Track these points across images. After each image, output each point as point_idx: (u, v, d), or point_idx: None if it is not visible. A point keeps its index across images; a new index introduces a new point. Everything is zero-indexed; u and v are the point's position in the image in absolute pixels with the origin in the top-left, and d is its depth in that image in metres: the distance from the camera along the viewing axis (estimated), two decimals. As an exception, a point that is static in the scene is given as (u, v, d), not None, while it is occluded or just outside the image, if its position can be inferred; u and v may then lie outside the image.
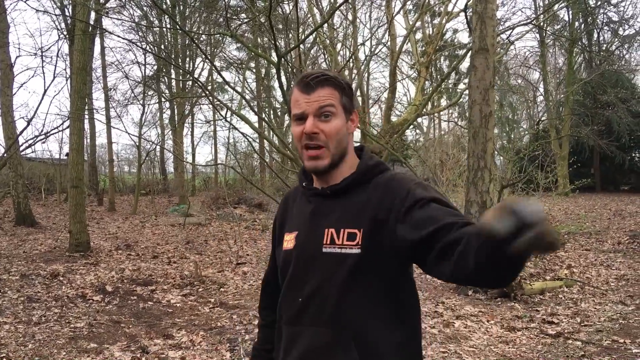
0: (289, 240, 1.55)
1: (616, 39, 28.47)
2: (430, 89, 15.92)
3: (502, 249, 1.02)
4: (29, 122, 10.55)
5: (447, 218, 1.26)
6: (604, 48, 28.61)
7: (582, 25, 28.22)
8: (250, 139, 14.23)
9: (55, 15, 16.08)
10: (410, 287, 1.50)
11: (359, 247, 1.40)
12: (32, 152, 18.88)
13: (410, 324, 1.47)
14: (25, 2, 11.15)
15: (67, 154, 15.06)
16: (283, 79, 7.06)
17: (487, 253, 1.09)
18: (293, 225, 1.57)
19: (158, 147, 23.75)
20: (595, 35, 29.27)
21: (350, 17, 16.39)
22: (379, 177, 1.49)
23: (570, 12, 25.89)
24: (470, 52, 7.71)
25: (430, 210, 1.31)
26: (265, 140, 17.61)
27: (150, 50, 19.30)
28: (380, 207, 1.41)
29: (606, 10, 27.02)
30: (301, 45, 10.80)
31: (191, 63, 23.50)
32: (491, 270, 1.12)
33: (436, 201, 1.34)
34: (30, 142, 12.18)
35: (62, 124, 11.69)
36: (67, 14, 15.99)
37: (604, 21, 28.09)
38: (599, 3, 24.49)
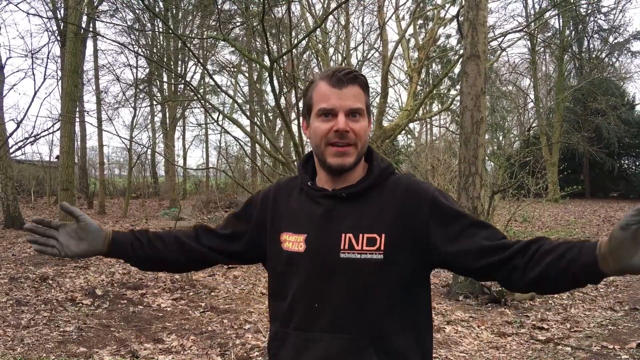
0: (293, 242, 1.48)
1: (606, 47, 28.73)
2: (422, 94, 15.98)
3: (599, 274, 1.20)
4: (18, 124, 10.49)
5: (490, 239, 1.38)
6: (594, 56, 28.86)
7: (573, 33, 28.48)
8: (242, 143, 14.20)
9: (47, 17, 16.01)
10: (427, 292, 1.52)
11: (380, 252, 1.40)
12: (22, 154, 18.84)
13: (426, 329, 1.50)
14: (16, 5, 11.09)
15: (57, 157, 15.00)
16: (275, 83, 7.04)
17: (578, 275, 1.24)
18: (297, 226, 1.50)
19: (149, 150, 23.66)
20: (586, 43, 29.54)
21: (342, 21, 16.45)
22: (390, 179, 1.50)
23: (561, 19, 26.13)
24: (461, 58, 7.75)
25: (468, 229, 1.41)
26: (257, 144, 17.60)
27: (142, 53, 19.26)
28: (404, 212, 1.43)
29: (596, 19, 27.29)
30: (294, 50, 10.78)
31: (183, 66, 23.46)
32: (563, 284, 1.30)
33: (465, 215, 1.44)
34: (20, 144, 12.16)
35: (53, 126, 11.64)
36: (58, 16, 15.92)
37: (594, 29, 28.35)
38: (590, 11, 24.71)
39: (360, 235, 1.41)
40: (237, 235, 1.64)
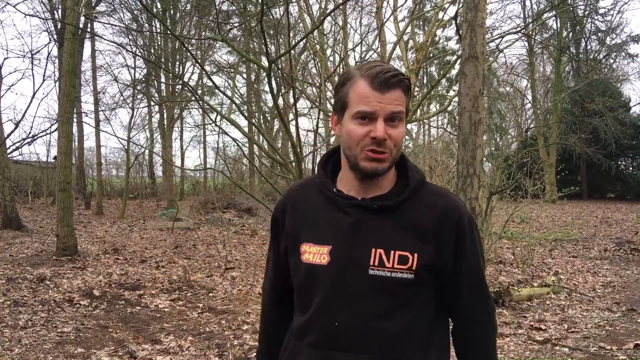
0: (314, 254, 1.37)
1: (603, 48, 28.81)
2: (420, 95, 16.00)
3: None
4: (17, 125, 10.49)
5: (477, 306, 1.44)
6: (591, 57, 28.93)
7: (570, 34, 28.54)
8: (239, 144, 14.17)
9: (45, 18, 16.01)
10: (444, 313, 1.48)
11: (411, 272, 1.32)
12: (20, 154, 18.79)
13: (445, 349, 1.46)
14: (14, 6, 11.08)
15: (54, 157, 14.96)
16: (273, 83, 7.06)
17: None
18: (319, 236, 1.39)
19: (147, 151, 23.63)
20: (583, 44, 29.61)
21: (340, 22, 16.45)
22: (424, 191, 1.41)
23: (559, 21, 26.18)
24: (460, 59, 7.76)
25: (472, 280, 1.42)
26: (254, 145, 17.59)
27: (140, 54, 19.25)
28: (438, 233, 1.36)
29: (594, 19, 27.36)
30: (292, 51, 10.77)
31: (181, 67, 23.45)
32: None
33: (479, 266, 1.44)
34: (17, 144, 12.09)
35: (50, 126, 11.64)
36: (56, 17, 15.91)
37: (592, 30, 28.43)
38: (587, 13, 24.77)
39: (392, 252, 1.33)
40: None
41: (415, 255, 1.33)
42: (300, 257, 1.40)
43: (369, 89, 1.31)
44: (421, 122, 25.29)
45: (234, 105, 14.95)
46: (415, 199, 1.39)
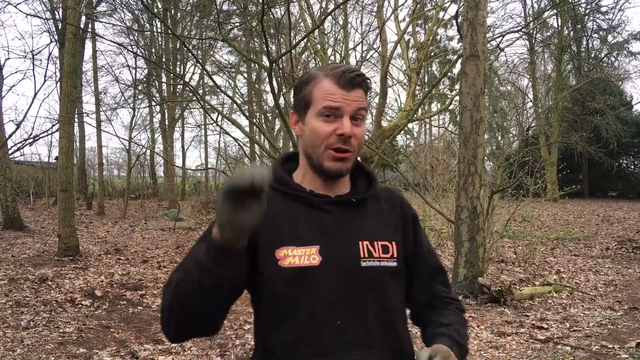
0: (300, 256, 1.30)
1: (605, 46, 28.78)
2: (421, 94, 16.00)
3: None
4: (18, 125, 10.50)
5: (437, 287, 1.50)
6: (592, 55, 28.90)
7: (572, 33, 28.50)
8: (241, 144, 14.22)
9: (46, 18, 16.02)
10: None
11: (394, 260, 1.38)
12: (21, 155, 18.77)
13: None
14: (15, 6, 11.09)
15: (56, 158, 14.99)
16: (274, 83, 7.05)
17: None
18: (300, 238, 1.32)
19: (148, 151, 23.66)
20: (585, 43, 29.58)
21: (341, 21, 16.45)
22: (376, 187, 1.47)
23: (560, 19, 26.15)
24: (461, 58, 7.76)
25: (433, 267, 1.52)
26: (256, 145, 17.61)
27: (141, 54, 19.25)
28: (402, 221, 1.46)
29: (595, 18, 27.32)
30: (292, 50, 10.78)
31: (182, 67, 23.47)
32: None
33: (434, 251, 1.55)
34: (19, 145, 12.12)
35: (52, 127, 11.66)
36: (57, 17, 15.92)
37: (593, 29, 28.40)
38: (588, 11, 24.73)
39: (375, 242, 1.37)
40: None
41: (394, 243, 1.39)
42: (279, 262, 1.30)
43: (335, 86, 1.32)
44: (422, 121, 25.28)
45: (235, 105, 14.98)
46: (376, 194, 1.45)
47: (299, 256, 1.30)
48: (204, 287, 1.18)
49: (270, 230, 1.31)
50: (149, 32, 21.38)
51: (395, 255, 1.38)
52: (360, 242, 1.35)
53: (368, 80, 1.37)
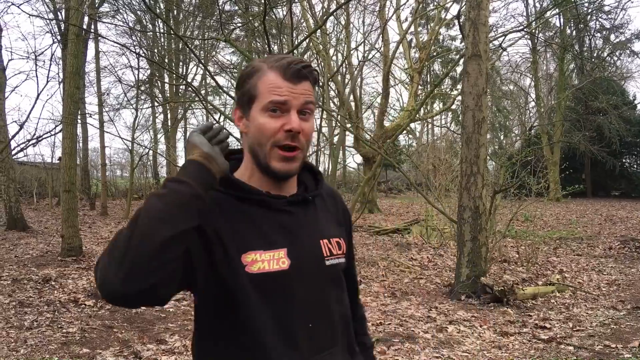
0: (269, 260, 1.23)
1: (607, 46, 28.73)
2: (424, 94, 16.00)
3: None
4: (21, 126, 10.54)
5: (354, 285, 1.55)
6: (595, 55, 28.85)
7: (574, 32, 28.46)
8: (243, 144, 14.19)
9: (49, 19, 16.06)
10: None
11: (344, 256, 1.40)
12: (24, 156, 18.83)
13: None
14: (18, 6, 11.13)
15: (59, 158, 15.00)
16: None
17: None
18: (266, 241, 1.25)
19: (151, 152, 23.68)
20: (587, 42, 29.53)
21: (343, 21, 16.47)
22: (323, 183, 1.48)
23: (562, 19, 26.12)
24: (463, 58, 7.76)
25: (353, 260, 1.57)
26: (258, 145, 17.58)
27: (143, 54, 19.29)
28: (344, 219, 1.48)
29: (598, 17, 27.28)
30: (294, 51, 10.78)
31: (184, 67, 23.49)
32: None
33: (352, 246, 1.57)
34: (22, 146, 12.14)
35: (55, 128, 11.65)
36: (60, 18, 15.96)
37: (596, 28, 28.36)
38: (591, 10, 24.69)
39: (332, 239, 1.36)
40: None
41: (342, 239, 1.41)
42: (246, 269, 1.21)
43: (280, 79, 1.24)
44: (425, 121, 25.28)
45: (237, 105, 14.99)
46: (321, 192, 1.44)
47: (268, 260, 1.23)
48: (173, 214, 1.10)
49: (230, 234, 1.23)
50: (151, 33, 21.42)
51: (344, 252, 1.40)
52: (321, 241, 1.33)
53: (316, 72, 1.29)
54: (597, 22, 28.11)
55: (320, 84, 14.16)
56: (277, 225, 1.28)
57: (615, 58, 29.49)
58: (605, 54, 28.93)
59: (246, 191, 1.29)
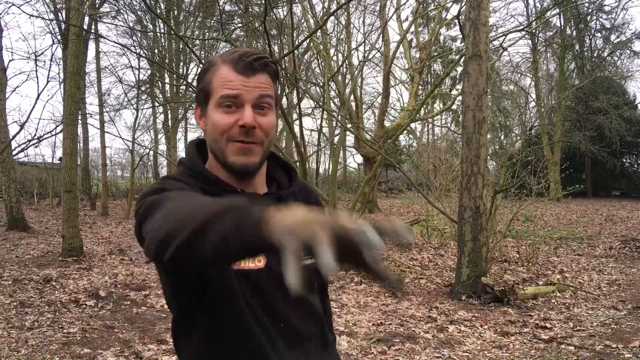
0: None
1: (608, 46, 28.73)
2: (424, 94, 16.01)
3: None
4: (22, 127, 10.51)
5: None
6: (595, 54, 28.85)
7: (574, 32, 28.47)
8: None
9: (49, 20, 16.07)
10: None
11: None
12: (25, 156, 18.86)
13: None
14: (18, 7, 11.14)
15: (60, 159, 15.01)
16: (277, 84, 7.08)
17: None
18: None
19: (151, 152, 23.70)
20: (587, 42, 29.54)
21: (343, 22, 16.47)
22: (297, 180, 1.43)
23: (562, 18, 26.12)
24: (463, 58, 7.76)
25: None
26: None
27: (144, 54, 19.30)
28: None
29: (599, 16, 27.29)
30: (295, 51, 10.81)
31: (185, 67, 23.50)
32: None
33: None
34: (23, 146, 12.13)
35: (55, 128, 11.66)
36: (60, 18, 15.97)
37: (596, 28, 28.37)
38: (591, 10, 24.70)
39: None
40: None
41: None
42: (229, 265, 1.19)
43: (232, 73, 1.20)
44: (425, 121, 25.28)
45: (237, 105, 14.99)
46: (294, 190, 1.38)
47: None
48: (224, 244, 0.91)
49: None
50: (152, 33, 21.42)
51: None
52: None
53: (274, 64, 1.24)
54: (598, 22, 28.14)
55: (321, 84, 14.17)
56: None
57: (616, 58, 29.53)
58: (606, 54, 28.94)
59: (220, 188, 1.24)
